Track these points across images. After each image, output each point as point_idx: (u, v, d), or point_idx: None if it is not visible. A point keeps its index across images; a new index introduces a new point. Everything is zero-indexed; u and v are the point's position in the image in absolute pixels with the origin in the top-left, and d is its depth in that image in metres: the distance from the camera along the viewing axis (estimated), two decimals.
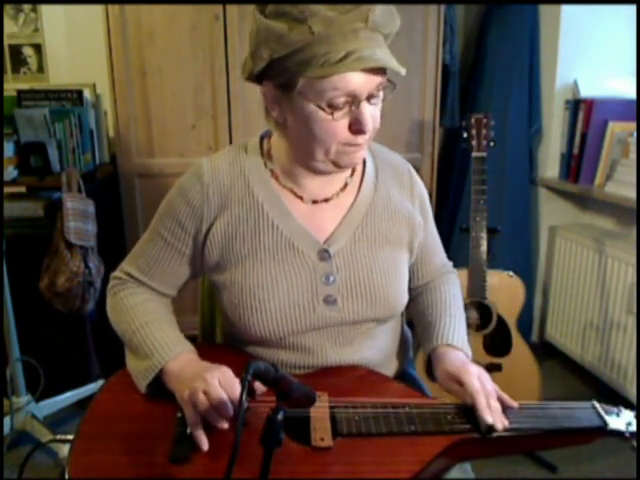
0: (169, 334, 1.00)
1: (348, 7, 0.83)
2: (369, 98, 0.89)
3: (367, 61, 0.84)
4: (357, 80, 0.86)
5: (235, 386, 0.85)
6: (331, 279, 1.01)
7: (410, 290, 1.19)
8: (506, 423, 0.89)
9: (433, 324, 1.09)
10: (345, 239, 1.03)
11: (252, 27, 0.89)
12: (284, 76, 0.88)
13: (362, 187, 1.06)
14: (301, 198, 1.03)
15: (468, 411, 0.92)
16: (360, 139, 0.92)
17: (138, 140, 2.36)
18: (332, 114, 0.88)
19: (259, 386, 0.86)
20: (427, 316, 1.12)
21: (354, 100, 0.88)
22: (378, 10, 0.85)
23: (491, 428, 0.87)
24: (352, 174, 1.06)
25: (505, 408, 0.92)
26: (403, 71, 0.86)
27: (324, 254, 1.01)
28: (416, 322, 1.18)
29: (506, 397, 0.94)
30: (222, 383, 0.85)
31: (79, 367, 2.22)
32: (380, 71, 0.88)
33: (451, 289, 1.17)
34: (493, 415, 0.88)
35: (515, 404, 0.93)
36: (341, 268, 1.02)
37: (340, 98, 0.87)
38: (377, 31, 0.87)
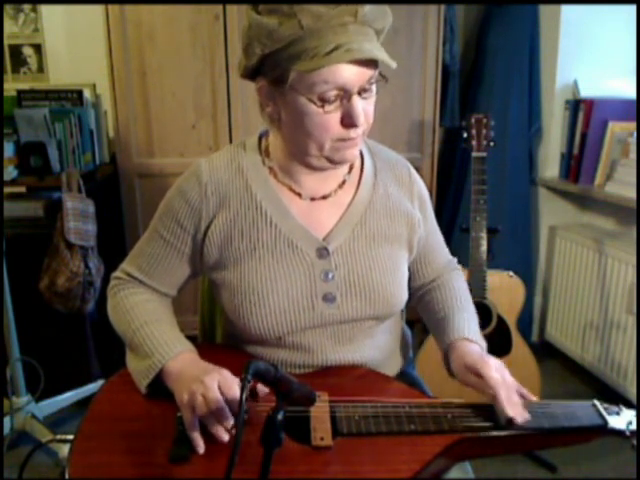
0: (169, 334, 1.00)
1: (337, 3, 0.84)
2: (361, 92, 0.89)
3: (356, 53, 0.84)
4: (347, 73, 0.86)
5: (234, 390, 0.85)
6: (330, 276, 1.01)
7: (417, 289, 1.19)
8: (527, 416, 0.88)
9: (446, 320, 1.09)
10: (344, 236, 1.03)
11: (244, 24, 0.90)
12: (276, 71, 0.89)
13: (360, 185, 1.06)
14: (299, 195, 1.03)
15: (471, 410, 0.92)
16: (353, 133, 0.91)
17: (138, 140, 2.36)
18: (323, 107, 0.88)
19: (262, 388, 0.86)
20: (439, 312, 1.12)
21: (345, 94, 0.88)
22: (368, 6, 0.86)
23: (511, 421, 0.87)
24: (350, 171, 1.06)
25: (534, 409, 0.91)
26: (393, 64, 0.86)
27: (323, 251, 1.01)
28: (427, 319, 1.17)
29: (525, 391, 0.93)
30: (221, 386, 0.85)
31: (79, 367, 2.22)
32: (371, 64, 0.88)
33: (459, 285, 1.17)
34: (513, 409, 0.88)
35: (534, 398, 0.93)
36: (340, 265, 1.02)
37: (331, 92, 0.87)
38: (367, 25, 0.88)
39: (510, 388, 0.91)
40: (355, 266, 1.02)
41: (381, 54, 0.86)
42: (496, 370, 0.93)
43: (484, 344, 1.05)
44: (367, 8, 0.86)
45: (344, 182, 1.05)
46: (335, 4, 0.84)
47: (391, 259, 1.06)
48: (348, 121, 0.90)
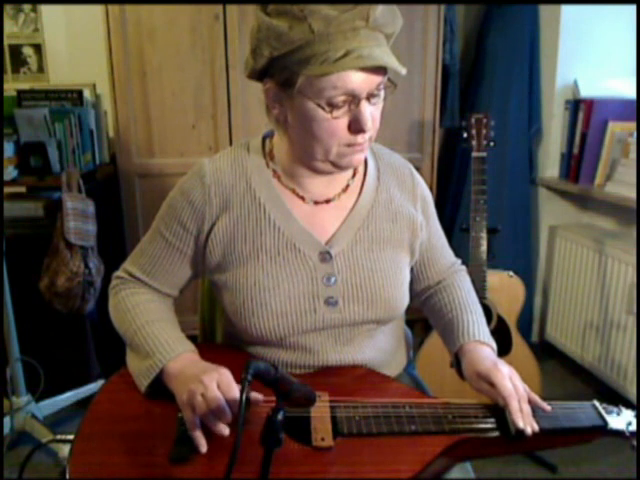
0: (170, 334, 1.00)
1: (349, 6, 0.83)
2: (369, 98, 0.89)
3: (366, 60, 0.84)
4: (356, 79, 0.85)
5: (233, 389, 0.85)
6: (332, 280, 1.01)
7: (422, 291, 1.19)
8: (535, 427, 0.88)
9: (454, 322, 1.08)
10: (346, 240, 1.03)
11: (253, 25, 0.89)
12: (284, 74, 0.89)
13: (364, 188, 1.06)
14: (303, 199, 1.03)
15: (471, 411, 0.92)
16: (360, 139, 0.91)
17: (138, 140, 2.36)
18: (331, 113, 0.88)
19: (255, 395, 0.86)
20: (446, 314, 1.12)
21: (354, 99, 0.88)
22: (379, 9, 0.85)
23: (521, 432, 0.87)
24: (354, 175, 1.06)
25: (534, 409, 0.91)
26: (404, 71, 0.86)
27: (325, 255, 1.01)
28: (434, 322, 1.17)
29: (537, 398, 0.93)
30: (220, 386, 0.85)
31: (79, 367, 2.22)
32: (380, 70, 0.87)
33: (465, 285, 1.17)
34: (524, 420, 0.88)
35: (547, 407, 0.93)
36: (342, 269, 1.01)
37: (339, 97, 0.87)
38: (378, 30, 0.87)
39: (522, 398, 0.91)
40: (357, 270, 1.02)
41: (391, 61, 0.86)
42: (509, 379, 0.93)
43: (494, 344, 1.05)
44: (378, 12, 0.85)
45: (348, 186, 1.05)
46: (343, 4, 0.83)
47: (393, 263, 1.05)
48: (356, 126, 0.89)
